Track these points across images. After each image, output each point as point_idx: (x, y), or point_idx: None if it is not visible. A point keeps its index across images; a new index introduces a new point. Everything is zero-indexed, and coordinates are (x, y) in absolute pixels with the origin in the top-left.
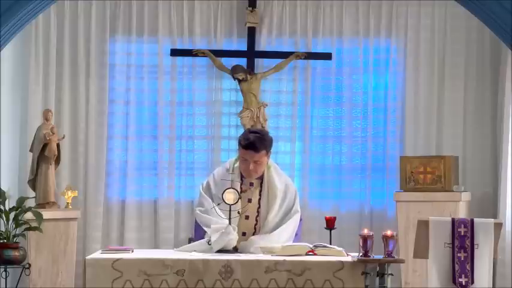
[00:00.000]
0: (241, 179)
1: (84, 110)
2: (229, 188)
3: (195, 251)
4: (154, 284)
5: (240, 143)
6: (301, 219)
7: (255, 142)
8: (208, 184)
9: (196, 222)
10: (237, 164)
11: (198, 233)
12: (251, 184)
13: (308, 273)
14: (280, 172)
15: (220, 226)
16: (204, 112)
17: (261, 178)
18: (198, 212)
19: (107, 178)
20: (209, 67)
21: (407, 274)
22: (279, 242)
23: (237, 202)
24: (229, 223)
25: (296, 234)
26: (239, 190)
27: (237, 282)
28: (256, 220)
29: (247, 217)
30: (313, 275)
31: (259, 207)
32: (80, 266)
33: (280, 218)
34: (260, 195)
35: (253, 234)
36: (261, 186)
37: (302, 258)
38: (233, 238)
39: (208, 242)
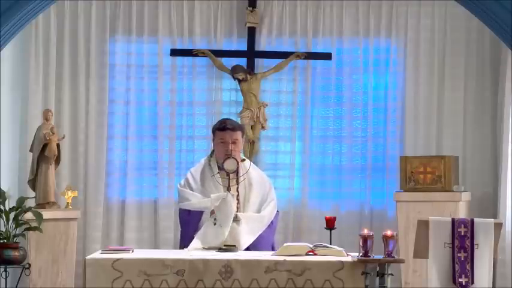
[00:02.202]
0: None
1: (84, 110)
2: (229, 157)
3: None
4: (154, 284)
5: (216, 129)
6: (278, 211)
7: (231, 122)
8: (187, 181)
9: (181, 220)
10: (212, 158)
11: (185, 229)
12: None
13: (308, 273)
14: (253, 165)
15: (220, 194)
16: (204, 112)
17: (236, 170)
18: (183, 203)
19: (107, 178)
20: (209, 67)
21: (407, 274)
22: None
23: (236, 170)
24: (228, 190)
25: (272, 223)
26: (220, 181)
27: (237, 282)
28: (237, 208)
29: None
30: (313, 275)
31: (238, 195)
32: (80, 266)
33: (257, 207)
34: (237, 183)
35: None
36: (237, 176)
37: (302, 258)
38: (233, 205)
39: (214, 223)
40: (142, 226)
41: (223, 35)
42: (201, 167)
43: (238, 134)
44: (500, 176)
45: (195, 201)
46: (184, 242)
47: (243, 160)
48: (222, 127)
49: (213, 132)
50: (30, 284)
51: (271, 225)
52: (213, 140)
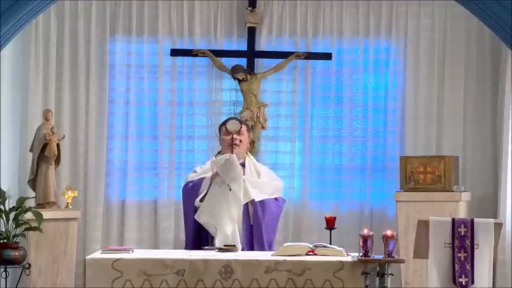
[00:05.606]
0: None
1: (84, 110)
2: (231, 118)
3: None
4: (154, 284)
5: (222, 125)
6: (284, 201)
7: (235, 117)
8: (194, 171)
9: (183, 195)
10: (219, 157)
11: (187, 199)
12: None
13: (308, 273)
14: (261, 164)
15: (222, 157)
16: (204, 112)
17: (243, 165)
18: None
19: (107, 178)
20: (209, 67)
21: (407, 274)
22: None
23: (239, 131)
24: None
25: (278, 206)
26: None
27: (237, 282)
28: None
29: None
30: (313, 275)
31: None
32: (80, 266)
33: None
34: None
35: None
36: (243, 170)
37: (302, 258)
38: (238, 166)
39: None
40: (142, 226)
41: (223, 35)
42: (208, 166)
43: (244, 129)
44: (500, 176)
45: (198, 172)
46: (188, 220)
47: (249, 156)
48: (226, 120)
49: (219, 129)
50: (30, 284)
51: (278, 209)
52: (219, 138)
